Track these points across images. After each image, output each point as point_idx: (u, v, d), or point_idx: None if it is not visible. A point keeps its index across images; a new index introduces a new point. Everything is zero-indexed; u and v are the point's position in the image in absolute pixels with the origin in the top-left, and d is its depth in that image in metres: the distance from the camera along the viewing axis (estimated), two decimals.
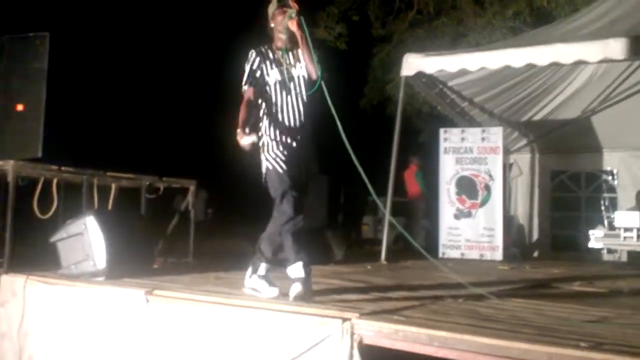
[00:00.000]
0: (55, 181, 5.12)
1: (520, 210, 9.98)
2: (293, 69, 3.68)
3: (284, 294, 3.53)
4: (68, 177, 5.31)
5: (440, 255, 7.93)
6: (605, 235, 7.87)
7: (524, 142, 10.13)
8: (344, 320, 2.96)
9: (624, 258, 8.15)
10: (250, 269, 3.74)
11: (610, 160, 9.68)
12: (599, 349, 2.46)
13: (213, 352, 3.33)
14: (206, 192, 11.75)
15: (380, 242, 7.57)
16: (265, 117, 3.67)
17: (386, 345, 2.84)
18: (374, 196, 3.89)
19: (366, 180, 3.63)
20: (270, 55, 3.69)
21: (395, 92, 10.01)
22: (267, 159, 3.61)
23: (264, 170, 3.64)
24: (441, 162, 8.27)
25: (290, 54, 3.69)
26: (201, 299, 3.59)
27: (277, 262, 3.70)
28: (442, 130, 8.39)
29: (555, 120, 9.53)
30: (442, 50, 8.07)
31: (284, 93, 3.64)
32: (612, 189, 9.79)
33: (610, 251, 8.06)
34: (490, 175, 8.00)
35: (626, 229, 7.65)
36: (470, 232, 7.94)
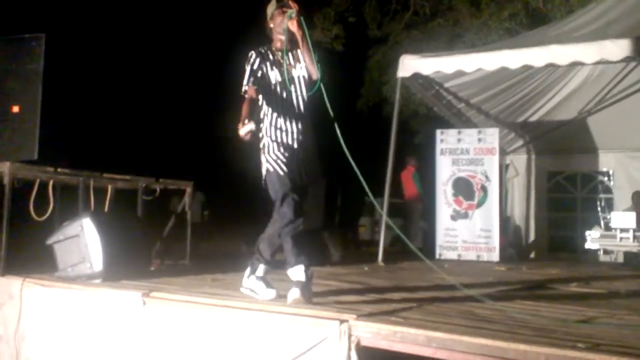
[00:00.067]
0: (51, 183, 5.10)
1: (517, 211, 10.01)
2: (293, 69, 3.66)
3: (282, 296, 3.53)
4: (64, 179, 5.30)
5: (437, 256, 7.94)
6: (602, 236, 7.89)
7: (520, 143, 10.16)
8: (342, 321, 2.96)
9: (620, 259, 8.17)
10: (248, 269, 3.73)
11: (607, 161, 9.72)
12: (596, 349, 2.47)
13: (210, 354, 3.33)
14: (203, 194, 11.73)
15: (377, 244, 7.57)
16: (265, 118, 3.65)
17: (384, 347, 2.84)
18: (371, 197, 3.89)
19: (363, 182, 3.63)
20: (270, 56, 3.67)
21: (392, 93, 10.03)
22: (267, 161, 3.59)
23: (264, 172, 3.62)
24: (437, 163, 8.27)
25: (290, 54, 3.67)
26: (198, 301, 3.58)
27: (276, 264, 3.70)
28: (438, 132, 8.40)
29: (552, 121, 9.56)
30: (439, 52, 8.08)
31: (285, 94, 3.62)
32: (608, 190, 9.82)
33: (606, 252, 8.08)
34: (486, 176, 8.02)
35: (622, 230, 7.67)
36: (467, 233, 7.95)
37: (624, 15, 6.89)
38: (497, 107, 9.15)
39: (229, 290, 3.98)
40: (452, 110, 8.89)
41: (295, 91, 3.62)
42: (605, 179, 9.88)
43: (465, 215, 8.02)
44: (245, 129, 3.43)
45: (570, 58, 6.39)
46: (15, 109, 5.48)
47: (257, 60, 3.65)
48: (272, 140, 3.60)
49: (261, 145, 3.64)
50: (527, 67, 6.90)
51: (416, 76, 7.46)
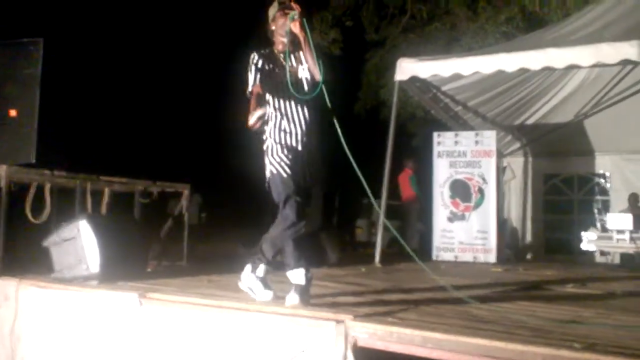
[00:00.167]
0: (48, 186, 5.10)
1: (514, 213, 10.04)
2: (296, 72, 3.64)
3: (279, 297, 3.52)
4: (61, 182, 5.31)
5: (434, 257, 7.95)
6: (598, 238, 7.91)
7: (517, 145, 10.19)
8: (338, 322, 2.96)
9: (617, 260, 8.19)
10: (249, 266, 3.70)
11: (603, 164, 9.76)
12: (592, 350, 2.48)
13: (207, 355, 3.32)
14: (200, 196, 11.73)
15: (374, 245, 7.57)
16: (269, 120, 3.63)
17: (380, 347, 2.85)
18: (372, 199, 3.89)
19: (363, 181, 3.63)
20: (272, 58, 3.65)
21: (389, 96, 10.04)
22: (271, 163, 3.56)
23: (267, 174, 3.59)
24: (435, 165, 8.29)
25: (292, 56, 3.64)
26: (195, 302, 3.58)
27: (277, 265, 3.68)
28: (435, 134, 8.42)
29: (548, 124, 9.59)
30: (436, 55, 8.10)
31: (288, 96, 3.59)
32: (604, 192, 9.85)
33: (603, 253, 8.11)
34: (483, 179, 8.04)
35: (619, 231, 7.70)
36: (463, 234, 7.97)
37: (620, 18, 6.92)
38: (494, 110, 9.18)
39: (226, 291, 3.98)
40: (449, 113, 8.91)
41: (299, 93, 3.58)
42: (602, 181, 9.91)
43: (462, 217, 8.04)
44: (255, 116, 3.41)
45: (566, 61, 6.42)
46: (13, 112, 5.48)
47: (260, 61, 3.62)
48: (275, 142, 3.57)
49: (265, 148, 3.62)
50: (523, 70, 6.92)
51: (413, 79, 7.48)
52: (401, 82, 7.48)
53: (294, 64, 3.65)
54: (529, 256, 9.46)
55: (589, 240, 7.92)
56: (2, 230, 4.66)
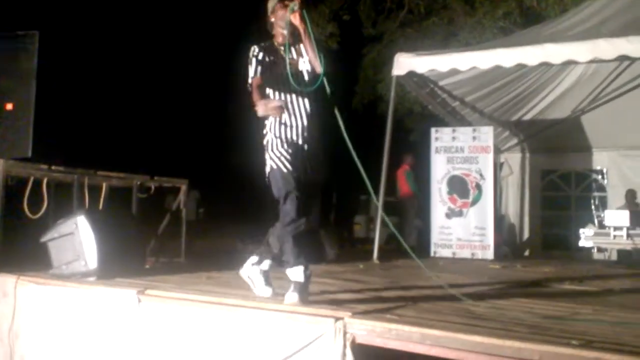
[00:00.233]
0: (45, 180, 5.09)
1: (511, 210, 10.05)
2: (296, 64, 3.60)
3: (278, 294, 3.52)
4: (58, 177, 5.28)
5: (432, 254, 7.96)
6: (596, 234, 7.94)
7: (514, 141, 10.20)
8: (337, 319, 2.96)
9: (614, 256, 8.22)
10: (255, 257, 3.68)
11: (600, 160, 9.78)
12: (590, 346, 2.48)
13: (205, 351, 3.33)
14: (198, 191, 11.72)
15: (372, 242, 7.58)
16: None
17: (379, 344, 2.85)
18: (372, 194, 3.88)
19: (365, 177, 3.62)
20: (273, 50, 3.61)
21: (386, 91, 10.03)
22: (271, 158, 3.52)
23: (267, 169, 3.56)
24: (432, 161, 8.29)
25: (292, 49, 3.60)
26: (193, 299, 3.57)
27: (281, 262, 3.66)
28: (433, 130, 8.41)
29: (546, 120, 9.60)
30: (433, 50, 8.10)
31: (288, 89, 3.55)
32: (601, 188, 9.88)
33: (600, 250, 8.13)
34: (481, 175, 8.04)
35: (616, 228, 7.72)
36: (461, 231, 7.98)
37: (617, 14, 6.91)
38: (491, 106, 9.18)
39: (224, 287, 3.98)
40: (446, 109, 8.91)
41: (299, 86, 3.54)
42: (599, 177, 9.93)
43: (459, 213, 8.04)
44: (273, 104, 3.38)
45: (564, 57, 6.42)
46: (9, 106, 5.45)
47: (261, 54, 3.58)
48: (275, 137, 3.53)
49: (265, 142, 3.58)
50: (521, 66, 6.92)
51: (411, 74, 7.47)
52: (398, 77, 7.47)
53: (294, 56, 3.62)
54: (526, 252, 9.50)
55: (586, 237, 7.94)
56: (0, 226, 4.64)
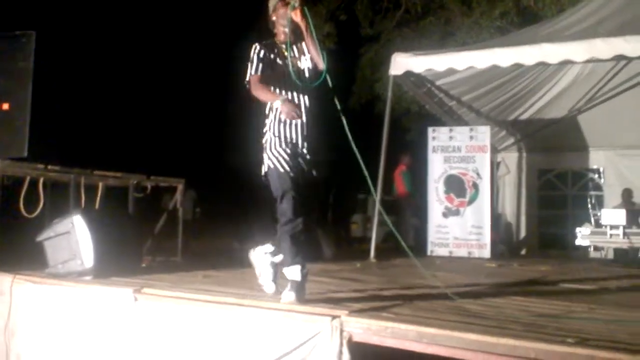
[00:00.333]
0: (41, 180, 5.08)
1: (508, 209, 10.07)
2: (298, 62, 3.60)
3: (278, 292, 3.52)
4: (54, 176, 5.28)
5: (429, 253, 7.97)
6: (592, 233, 7.96)
7: (511, 140, 10.22)
8: (333, 317, 2.96)
9: (610, 255, 8.24)
10: (270, 247, 3.64)
11: (597, 159, 9.80)
12: (585, 344, 2.50)
13: (202, 350, 3.33)
14: (194, 191, 11.71)
15: (369, 241, 7.58)
16: (270, 112, 3.58)
17: (375, 342, 2.85)
18: (372, 191, 3.87)
19: (365, 172, 3.62)
20: (275, 49, 3.60)
21: (384, 91, 10.05)
22: (269, 157, 3.52)
23: (265, 168, 3.56)
24: (429, 160, 8.30)
25: (294, 47, 3.60)
26: (190, 297, 3.57)
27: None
28: (430, 129, 8.42)
29: (542, 119, 9.62)
30: (430, 50, 8.10)
31: (289, 87, 3.55)
32: (598, 187, 9.90)
33: (596, 249, 8.15)
34: (478, 174, 8.05)
35: (612, 227, 7.74)
36: (458, 230, 7.98)
37: (614, 14, 6.93)
38: (488, 105, 9.19)
39: (221, 286, 3.98)
40: (443, 108, 8.92)
41: (301, 84, 3.54)
42: (596, 176, 9.96)
43: (456, 212, 8.05)
44: (295, 109, 3.37)
45: (560, 56, 6.43)
46: (5, 106, 5.44)
47: (262, 51, 3.57)
48: (274, 136, 3.53)
49: (264, 141, 3.58)
50: (518, 66, 6.93)
51: (408, 74, 7.48)
52: (395, 77, 7.47)
53: (296, 54, 3.61)
54: (523, 251, 9.51)
55: (582, 236, 7.96)
56: None
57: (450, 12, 12.10)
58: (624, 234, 7.64)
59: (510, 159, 10.22)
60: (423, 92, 8.42)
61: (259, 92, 3.51)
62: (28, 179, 5.01)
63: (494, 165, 9.71)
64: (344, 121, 3.54)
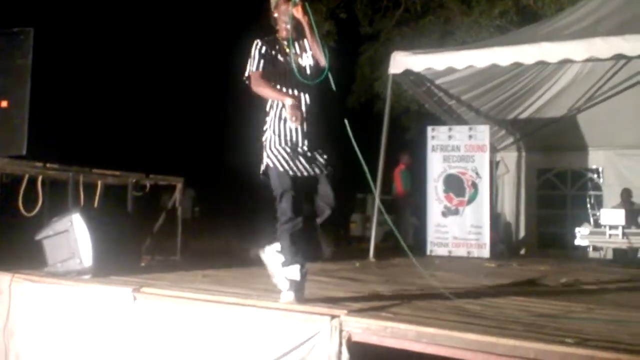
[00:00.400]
0: (40, 178, 5.07)
1: (507, 208, 10.06)
2: (300, 59, 3.58)
3: (274, 291, 3.52)
4: (53, 174, 5.27)
5: (429, 252, 7.96)
6: (591, 233, 7.95)
7: (510, 140, 10.21)
8: (333, 317, 2.96)
9: (610, 255, 8.24)
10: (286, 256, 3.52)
11: (596, 159, 9.78)
12: (584, 344, 2.50)
13: (201, 349, 3.32)
14: (193, 190, 11.69)
15: (368, 240, 7.57)
16: (271, 110, 3.56)
17: (375, 342, 2.85)
18: (374, 191, 3.85)
19: (368, 175, 3.61)
20: (276, 45, 3.58)
21: (383, 89, 10.03)
22: (268, 156, 3.50)
23: (263, 166, 3.54)
24: (429, 160, 8.29)
25: (296, 44, 3.58)
26: (189, 297, 3.57)
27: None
28: (429, 128, 8.41)
29: (542, 119, 9.61)
30: (430, 49, 8.09)
31: (291, 84, 3.52)
32: (597, 187, 9.89)
33: (595, 249, 8.15)
34: (477, 173, 8.05)
35: (612, 227, 7.73)
36: (457, 229, 7.98)
37: (613, 13, 6.92)
38: (487, 104, 9.18)
39: (220, 285, 3.98)
40: (443, 107, 8.91)
41: (303, 81, 3.52)
42: (595, 176, 9.95)
43: (455, 212, 8.04)
44: (299, 113, 3.36)
45: (560, 55, 6.43)
46: (4, 104, 5.43)
47: (264, 48, 3.54)
48: (274, 134, 3.50)
49: (263, 139, 3.55)
50: (517, 65, 6.92)
51: (407, 73, 7.47)
52: (395, 76, 7.47)
53: (298, 50, 3.60)
54: (522, 251, 9.50)
55: (582, 236, 7.96)
56: None
57: (450, 11, 12.09)
58: (624, 234, 7.63)
59: (510, 158, 10.22)
60: (422, 91, 8.41)
61: (263, 89, 3.49)
62: (27, 177, 5.00)
63: (493, 165, 9.70)
64: (345, 120, 3.53)
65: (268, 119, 3.57)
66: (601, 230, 7.83)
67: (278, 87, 3.53)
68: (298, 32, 3.56)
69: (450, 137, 8.24)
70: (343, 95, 13.20)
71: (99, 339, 3.70)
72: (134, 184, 5.89)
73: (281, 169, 3.46)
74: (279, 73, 3.54)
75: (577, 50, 6.29)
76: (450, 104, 8.93)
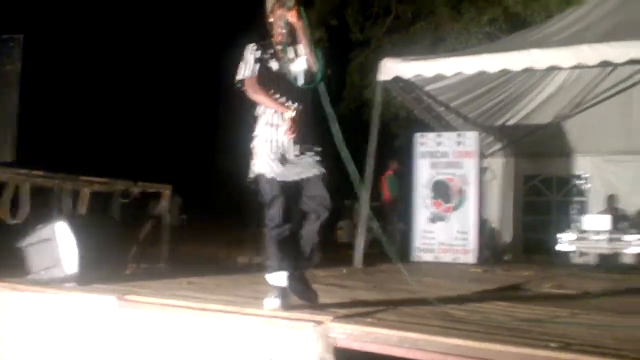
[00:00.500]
0: (26, 185, 5.03)
1: (493, 214, 10.08)
2: (293, 64, 3.55)
3: (259, 298, 3.50)
4: (39, 182, 5.23)
5: (415, 258, 7.96)
6: (577, 239, 7.98)
7: (498, 146, 10.25)
8: (318, 323, 2.95)
9: (594, 261, 8.27)
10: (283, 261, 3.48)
11: (583, 165, 9.83)
12: (568, 349, 2.50)
13: (186, 357, 3.30)
14: (180, 197, 11.63)
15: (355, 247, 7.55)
16: (262, 115, 3.52)
17: (357, 348, 2.84)
18: (362, 199, 3.86)
19: (358, 181, 3.60)
20: (270, 49, 3.55)
21: (373, 96, 10.04)
22: (258, 162, 3.47)
23: (252, 174, 3.51)
24: (417, 166, 8.31)
25: (291, 49, 3.56)
26: (173, 304, 3.55)
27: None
28: (418, 135, 8.44)
29: (529, 125, 9.66)
30: (419, 55, 8.12)
31: (283, 89, 3.49)
32: (583, 193, 9.92)
33: (581, 254, 8.18)
34: (465, 180, 8.06)
35: (597, 232, 7.77)
36: (444, 235, 7.99)
37: (601, 20, 6.98)
38: (475, 111, 9.23)
39: (205, 293, 3.95)
40: (431, 114, 8.95)
41: (297, 86, 3.50)
42: (580, 182, 9.97)
43: (442, 218, 8.05)
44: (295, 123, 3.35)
45: (548, 62, 6.48)
46: None
47: (258, 52, 3.52)
48: (265, 141, 3.48)
49: (252, 145, 3.52)
50: (505, 71, 6.98)
51: (397, 79, 7.49)
52: (384, 82, 7.48)
53: (293, 55, 3.57)
54: (507, 257, 9.52)
55: (569, 241, 7.98)
56: None
57: (440, 18, 12.13)
58: (609, 239, 7.68)
59: (497, 164, 10.26)
60: (412, 98, 8.44)
61: (261, 98, 3.47)
62: (13, 184, 4.95)
63: (481, 171, 9.73)
64: (336, 126, 3.53)
65: (257, 125, 3.55)
66: (587, 236, 7.87)
67: (272, 92, 3.49)
68: (293, 37, 3.55)
69: (438, 143, 8.27)
70: (334, 102, 13.18)
71: (83, 347, 3.66)
72: (121, 192, 5.86)
73: (270, 175, 3.44)
74: (272, 78, 3.51)
75: (565, 57, 6.34)
76: (439, 110, 8.96)
